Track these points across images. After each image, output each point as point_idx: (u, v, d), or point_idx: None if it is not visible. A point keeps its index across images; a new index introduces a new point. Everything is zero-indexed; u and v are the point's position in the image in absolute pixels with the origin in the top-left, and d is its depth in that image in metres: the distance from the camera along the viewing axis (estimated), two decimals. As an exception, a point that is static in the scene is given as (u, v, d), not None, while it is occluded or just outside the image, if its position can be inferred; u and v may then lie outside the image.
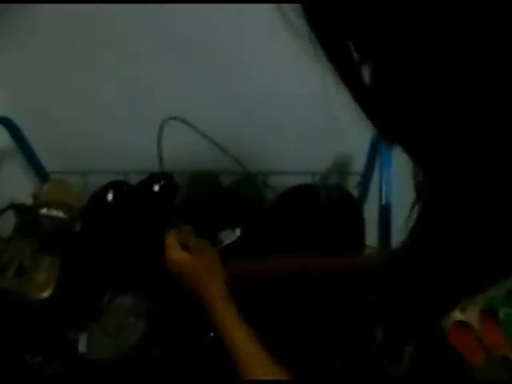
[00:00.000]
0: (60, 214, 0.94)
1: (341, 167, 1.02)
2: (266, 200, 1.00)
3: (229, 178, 1.03)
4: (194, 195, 0.96)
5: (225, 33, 0.86)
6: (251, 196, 0.98)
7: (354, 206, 0.94)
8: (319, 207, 0.93)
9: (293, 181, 0.98)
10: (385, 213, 0.76)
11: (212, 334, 0.80)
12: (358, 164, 0.98)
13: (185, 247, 0.69)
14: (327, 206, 0.93)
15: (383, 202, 0.75)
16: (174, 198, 0.91)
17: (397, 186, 0.80)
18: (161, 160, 0.93)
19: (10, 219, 0.98)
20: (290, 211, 0.94)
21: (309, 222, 0.91)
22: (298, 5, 0.30)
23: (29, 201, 1.04)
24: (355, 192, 1.00)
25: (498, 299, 0.51)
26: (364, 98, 0.33)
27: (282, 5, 0.31)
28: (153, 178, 0.99)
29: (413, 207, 0.42)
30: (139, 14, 0.83)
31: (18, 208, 0.97)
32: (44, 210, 0.95)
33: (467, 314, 0.56)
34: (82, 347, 0.89)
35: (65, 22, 0.88)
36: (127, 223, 0.91)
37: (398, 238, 0.77)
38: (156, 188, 0.96)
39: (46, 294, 0.87)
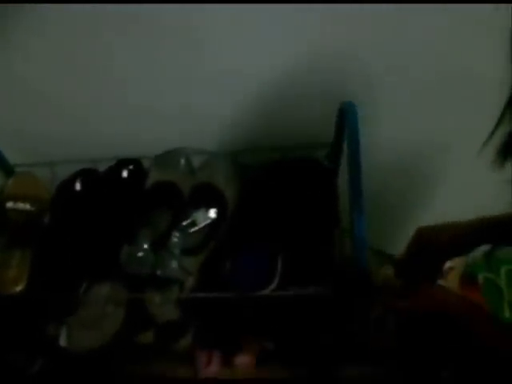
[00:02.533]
0: (27, 206, 0.92)
1: (311, 139, 1.01)
2: (239, 178, 0.98)
3: (200, 158, 1.02)
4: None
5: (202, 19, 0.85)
6: (223, 175, 0.97)
7: (327, 176, 0.94)
8: (292, 181, 0.93)
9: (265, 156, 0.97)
10: (354, 183, 0.75)
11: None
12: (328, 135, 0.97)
13: None
14: (300, 178, 0.92)
15: (352, 172, 0.75)
16: (143, 182, 0.89)
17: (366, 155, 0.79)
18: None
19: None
20: (264, 187, 0.93)
21: (282, 196, 0.91)
22: None
23: (-6, 195, 1.01)
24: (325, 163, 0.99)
25: (477, 264, 0.52)
26: None
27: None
28: (121, 163, 0.97)
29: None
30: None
31: (-18, 204, 0.95)
32: (10, 204, 0.92)
33: (447, 280, 0.57)
34: (62, 341, 0.88)
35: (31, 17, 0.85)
36: (97, 211, 0.89)
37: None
38: (124, 174, 0.94)
39: (18, 289, 0.85)
